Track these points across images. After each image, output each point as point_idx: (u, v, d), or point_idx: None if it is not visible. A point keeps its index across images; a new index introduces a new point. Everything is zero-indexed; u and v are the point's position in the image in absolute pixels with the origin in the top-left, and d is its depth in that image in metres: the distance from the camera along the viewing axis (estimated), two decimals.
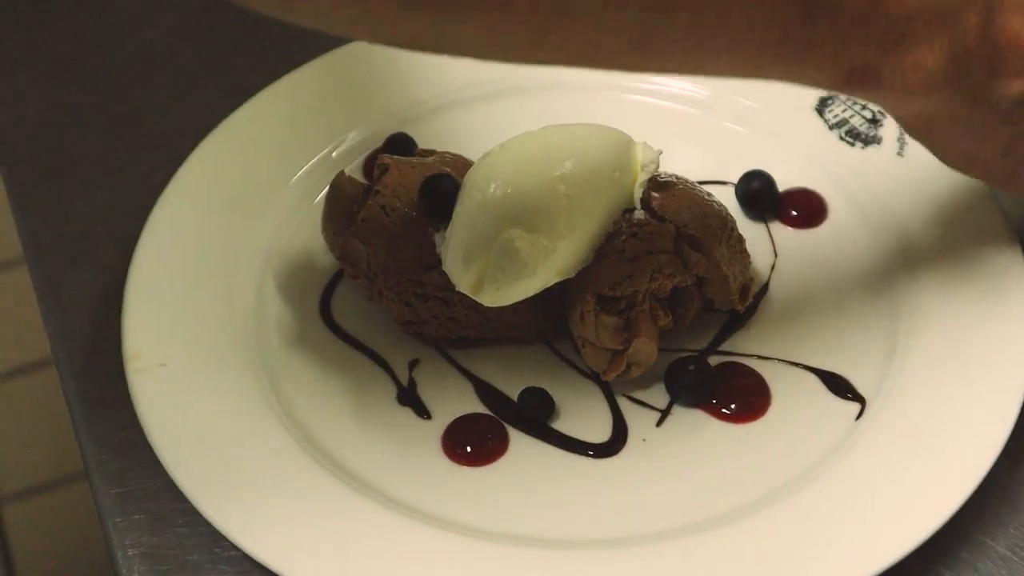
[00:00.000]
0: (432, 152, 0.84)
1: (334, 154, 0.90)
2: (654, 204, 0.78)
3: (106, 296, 0.84)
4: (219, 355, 0.79)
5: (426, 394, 0.79)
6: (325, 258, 0.84)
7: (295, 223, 0.86)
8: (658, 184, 0.79)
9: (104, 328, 0.82)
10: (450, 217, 0.77)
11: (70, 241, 0.89)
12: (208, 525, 0.71)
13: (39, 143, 0.95)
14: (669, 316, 0.77)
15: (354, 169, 0.89)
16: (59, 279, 0.86)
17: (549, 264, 0.74)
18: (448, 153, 0.83)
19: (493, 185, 0.75)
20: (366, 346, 0.81)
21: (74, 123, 0.96)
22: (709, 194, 0.81)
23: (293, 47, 0.98)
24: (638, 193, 0.78)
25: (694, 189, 0.80)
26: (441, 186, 0.78)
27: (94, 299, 0.84)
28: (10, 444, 1.70)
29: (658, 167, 0.78)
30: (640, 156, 0.78)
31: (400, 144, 0.89)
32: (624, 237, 0.76)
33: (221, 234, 0.85)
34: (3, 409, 1.74)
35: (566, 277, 0.76)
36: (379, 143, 0.90)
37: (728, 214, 0.80)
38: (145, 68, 1.00)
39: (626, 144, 0.78)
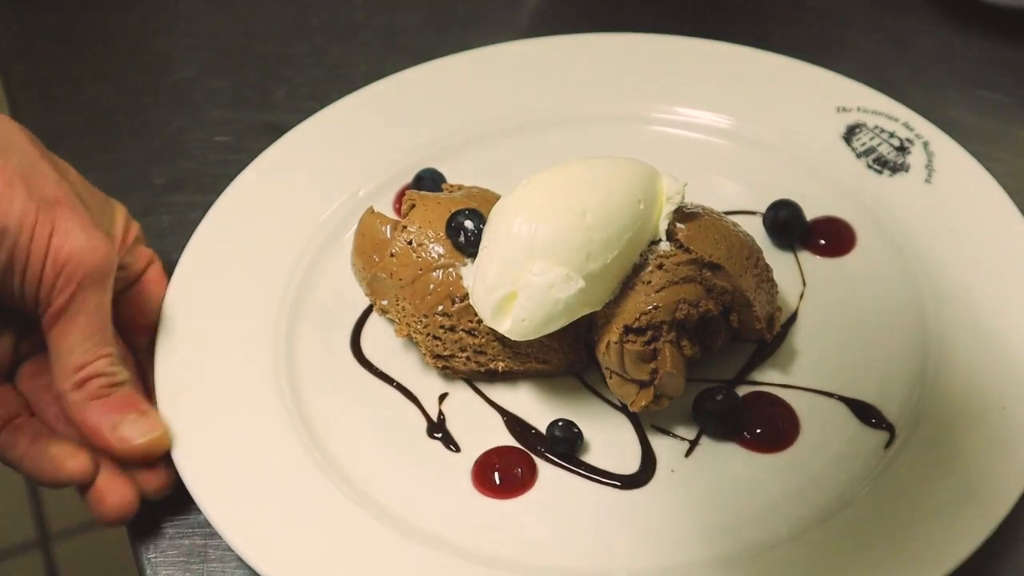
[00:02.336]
0: (459, 187, 0.84)
1: (361, 192, 0.91)
2: (679, 235, 0.78)
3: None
4: (251, 391, 0.79)
5: (455, 427, 0.79)
6: (356, 293, 0.84)
7: (326, 259, 0.87)
8: (684, 215, 0.79)
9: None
10: (477, 251, 0.78)
11: None
12: (239, 560, 0.72)
13: None
14: (696, 346, 0.78)
15: (384, 205, 0.90)
16: None
17: (576, 297, 0.75)
18: (475, 188, 0.84)
19: (519, 219, 0.75)
20: (396, 381, 0.82)
21: (111, 162, 0.98)
22: (735, 224, 0.81)
23: (322, 85, 1.00)
24: (663, 224, 0.78)
25: (720, 219, 0.80)
26: (467, 221, 0.79)
27: None
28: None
29: (684, 198, 0.79)
30: (665, 187, 0.78)
31: (428, 179, 0.89)
32: (650, 268, 0.77)
33: (252, 270, 0.86)
34: None
35: (593, 309, 0.77)
36: (408, 179, 0.91)
37: (754, 244, 0.80)
38: (179, 107, 1.01)
39: (651, 176, 0.78)
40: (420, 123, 0.94)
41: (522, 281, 0.74)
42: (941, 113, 0.93)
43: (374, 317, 0.84)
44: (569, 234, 0.74)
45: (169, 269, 0.85)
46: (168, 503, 0.77)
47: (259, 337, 0.82)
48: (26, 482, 1.72)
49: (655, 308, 0.75)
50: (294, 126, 0.94)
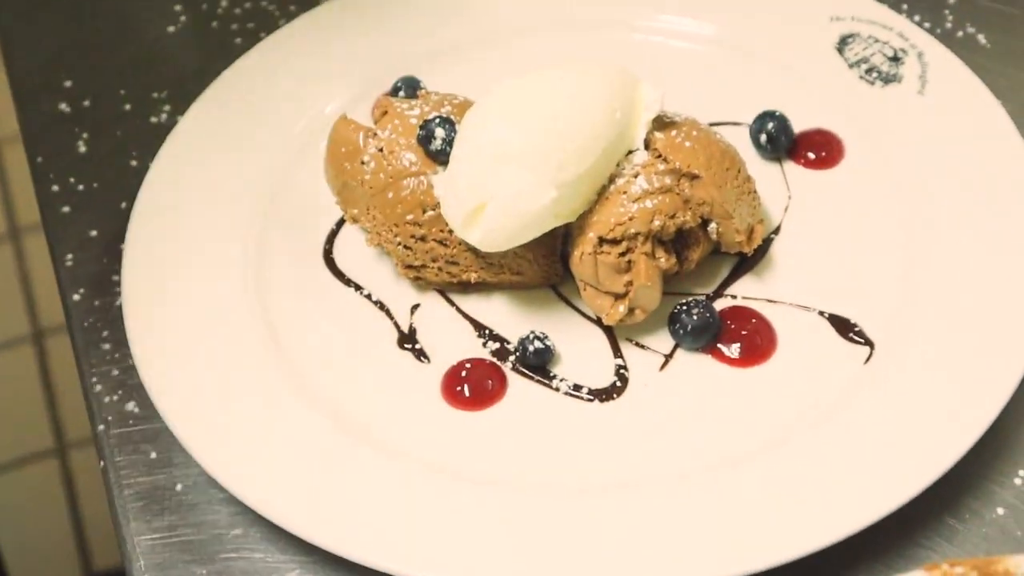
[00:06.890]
0: (435, 95, 0.82)
1: (340, 101, 0.89)
2: (657, 144, 0.76)
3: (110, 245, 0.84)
4: (219, 297, 0.78)
5: (427, 338, 0.78)
6: (330, 202, 0.83)
7: (302, 168, 0.85)
8: (662, 124, 0.77)
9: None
10: (448, 160, 0.76)
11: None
12: (202, 469, 0.71)
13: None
14: (673, 258, 0.76)
15: (363, 114, 0.88)
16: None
17: (548, 207, 0.73)
18: (451, 95, 0.82)
19: (489, 126, 0.73)
20: (367, 290, 0.80)
21: (91, 68, 0.96)
22: (717, 134, 0.79)
23: None
24: (641, 133, 0.76)
25: (701, 129, 0.78)
26: (439, 128, 0.77)
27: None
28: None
29: (662, 107, 0.76)
30: (644, 96, 0.76)
31: (406, 88, 0.87)
32: (626, 178, 0.75)
33: (226, 177, 0.84)
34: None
35: (566, 221, 0.75)
36: (387, 88, 0.89)
37: (736, 154, 0.78)
38: (160, 17, 0.99)
39: (629, 84, 0.76)
40: (401, 31, 0.92)
41: (492, 190, 0.73)
42: (943, 24, 0.90)
43: (348, 227, 0.83)
44: (540, 141, 0.72)
45: (142, 175, 0.84)
46: (129, 403, 0.76)
47: (230, 244, 0.81)
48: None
49: (630, 219, 0.73)
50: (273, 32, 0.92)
